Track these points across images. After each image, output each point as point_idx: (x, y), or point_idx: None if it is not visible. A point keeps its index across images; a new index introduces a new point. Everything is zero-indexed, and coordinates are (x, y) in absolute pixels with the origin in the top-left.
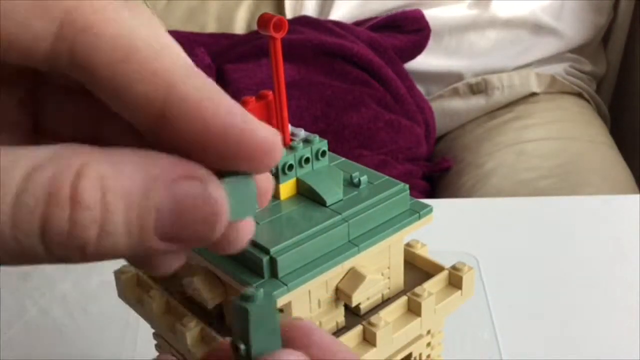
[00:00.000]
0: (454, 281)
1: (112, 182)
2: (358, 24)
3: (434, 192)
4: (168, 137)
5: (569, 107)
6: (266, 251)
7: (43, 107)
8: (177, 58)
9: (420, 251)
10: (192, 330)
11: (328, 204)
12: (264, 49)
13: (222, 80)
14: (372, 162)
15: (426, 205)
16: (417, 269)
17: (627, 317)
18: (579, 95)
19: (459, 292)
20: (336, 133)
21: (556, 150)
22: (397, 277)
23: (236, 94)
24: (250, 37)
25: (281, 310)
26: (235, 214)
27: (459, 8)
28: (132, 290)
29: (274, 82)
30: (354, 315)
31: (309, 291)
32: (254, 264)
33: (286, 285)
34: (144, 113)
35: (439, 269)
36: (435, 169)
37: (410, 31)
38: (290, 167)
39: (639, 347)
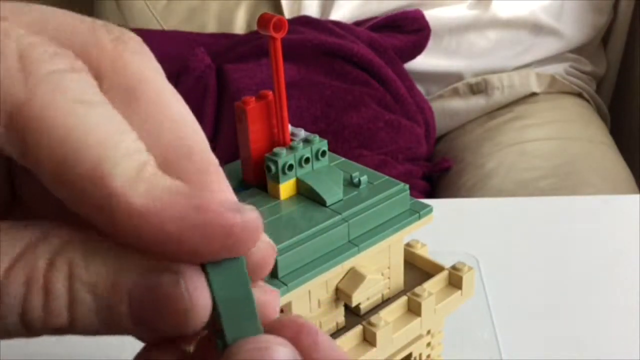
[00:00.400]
0: (454, 281)
1: (81, 272)
2: (358, 24)
3: (434, 192)
4: (128, 242)
5: (569, 107)
6: None
7: (16, 181)
8: (128, 157)
9: (420, 251)
10: None
11: (328, 204)
12: (264, 49)
13: (222, 80)
14: (372, 162)
15: (426, 205)
16: (417, 269)
17: (627, 317)
18: (579, 95)
19: (459, 292)
20: (336, 133)
21: (556, 150)
22: (397, 277)
23: (236, 94)
24: (250, 37)
25: (281, 310)
26: (223, 297)
27: (459, 8)
28: None
29: (274, 82)
30: (354, 315)
31: (309, 291)
32: None
33: (286, 285)
34: (94, 219)
35: (439, 269)
36: (435, 169)
37: (410, 31)
38: (290, 167)
39: (639, 347)
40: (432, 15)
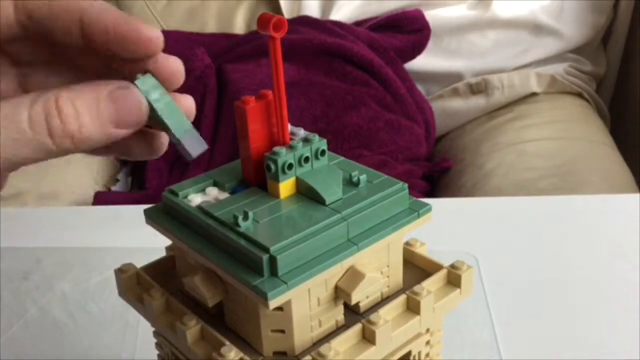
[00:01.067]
0: (453, 279)
1: (77, 99)
2: (358, 24)
3: (434, 192)
4: (93, 44)
5: (569, 107)
6: (266, 250)
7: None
8: None
9: (419, 250)
10: (192, 328)
11: (327, 202)
12: (264, 49)
13: (222, 80)
14: (372, 162)
15: (425, 204)
16: (416, 268)
17: (627, 317)
18: (579, 95)
19: (458, 290)
20: (336, 133)
21: (556, 150)
22: (396, 275)
23: (236, 94)
24: (250, 37)
25: (281, 309)
26: (153, 99)
27: (459, 8)
28: (132, 289)
29: (273, 82)
30: (353, 313)
31: (309, 290)
32: (254, 262)
33: (286, 283)
34: (71, 31)
35: (437, 267)
36: (435, 169)
37: (410, 31)
38: (290, 166)
39: (639, 347)
40: (432, 15)
